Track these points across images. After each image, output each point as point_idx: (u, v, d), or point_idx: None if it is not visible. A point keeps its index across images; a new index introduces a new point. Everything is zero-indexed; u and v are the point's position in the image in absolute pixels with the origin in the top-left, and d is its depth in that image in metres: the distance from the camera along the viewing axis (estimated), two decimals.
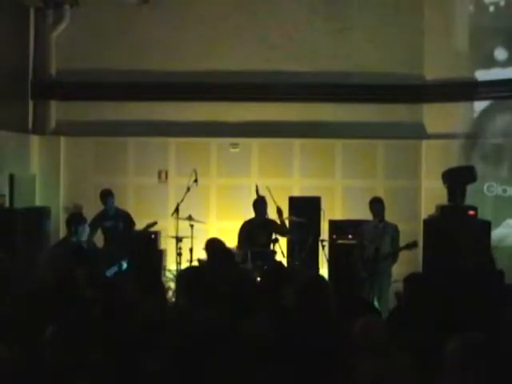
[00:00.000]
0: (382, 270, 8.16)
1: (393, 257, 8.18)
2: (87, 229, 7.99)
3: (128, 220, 9.05)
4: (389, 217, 9.69)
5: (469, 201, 8.85)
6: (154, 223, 9.02)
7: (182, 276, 4.75)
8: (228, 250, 6.08)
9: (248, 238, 8.72)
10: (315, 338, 3.71)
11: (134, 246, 8.78)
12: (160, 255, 9.84)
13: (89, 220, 9.01)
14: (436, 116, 10.70)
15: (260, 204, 8.88)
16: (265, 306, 4.28)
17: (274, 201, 8.79)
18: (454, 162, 9.82)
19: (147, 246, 9.61)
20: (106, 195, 8.99)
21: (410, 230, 10.20)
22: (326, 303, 3.86)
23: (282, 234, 8.84)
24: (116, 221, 8.92)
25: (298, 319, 3.89)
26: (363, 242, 8.35)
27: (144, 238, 9.47)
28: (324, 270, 9.22)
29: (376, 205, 8.38)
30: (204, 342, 3.59)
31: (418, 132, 10.80)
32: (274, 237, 8.76)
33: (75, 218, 8.04)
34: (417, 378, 3.33)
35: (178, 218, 9.07)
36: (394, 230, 8.29)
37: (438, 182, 9.08)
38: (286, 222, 9.02)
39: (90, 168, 10.78)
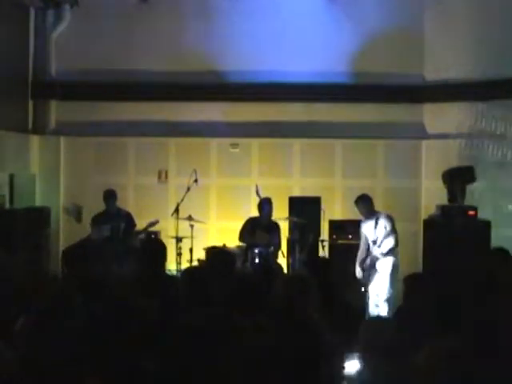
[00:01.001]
0: (381, 266, 8.18)
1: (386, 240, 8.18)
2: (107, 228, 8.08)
3: (129, 220, 9.06)
4: None
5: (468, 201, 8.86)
6: (156, 222, 9.02)
7: (183, 276, 4.74)
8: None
9: (249, 234, 8.78)
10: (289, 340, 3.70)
11: (134, 245, 8.78)
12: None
13: (90, 220, 9.08)
14: (436, 116, 10.70)
15: (265, 205, 8.91)
16: (264, 307, 4.28)
17: None
18: (454, 162, 9.82)
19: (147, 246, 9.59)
20: (109, 196, 9.02)
21: (410, 229, 10.22)
22: (303, 302, 3.84)
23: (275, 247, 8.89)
24: (117, 221, 8.93)
25: (281, 318, 3.88)
26: (360, 244, 8.43)
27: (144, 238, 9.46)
28: None
29: (357, 204, 8.45)
30: (203, 342, 3.59)
31: (418, 132, 10.80)
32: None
33: (98, 218, 8.14)
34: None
35: (178, 218, 9.08)
36: (386, 219, 8.31)
37: (438, 181, 9.09)
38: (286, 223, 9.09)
39: (90, 168, 10.77)
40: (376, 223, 8.25)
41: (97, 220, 8.98)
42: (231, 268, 5.12)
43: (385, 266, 8.19)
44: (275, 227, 9.02)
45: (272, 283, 4.85)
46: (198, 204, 10.08)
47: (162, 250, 5.28)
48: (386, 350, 3.31)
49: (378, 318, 4.73)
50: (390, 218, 8.34)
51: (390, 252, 8.21)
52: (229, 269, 5.00)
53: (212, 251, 5.35)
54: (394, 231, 8.24)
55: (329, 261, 7.35)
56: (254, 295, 4.29)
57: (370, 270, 8.25)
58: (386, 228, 8.23)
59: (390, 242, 8.18)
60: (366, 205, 8.43)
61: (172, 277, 6.34)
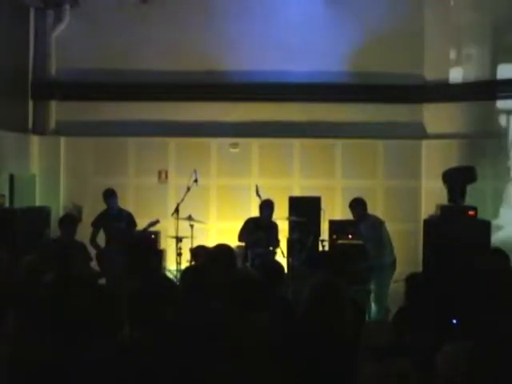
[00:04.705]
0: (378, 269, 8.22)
1: None
2: (71, 229, 8.08)
3: (130, 220, 9.03)
4: (389, 217, 9.72)
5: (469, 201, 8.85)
6: (156, 221, 9.01)
7: (184, 275, 4.74)
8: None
9: (249, 234, 8.78)
10: (326, 339, 3.70)
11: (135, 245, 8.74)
12: (160, 255, 9.83)
13: (90, 219, 9.06)
14: (436, 116, 10.70)
15: (266, 207, 8.91)
16: (266, 305, 4.28)
17: None
18: (454, 162, 9.81)
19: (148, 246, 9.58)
20: (109, 195, 8.98)
21: (410, 229, 10.23)
22: (339, 304, 3.86)
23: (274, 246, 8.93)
24: (118, 221, 8.90)
25: (310, 320, 3.88)
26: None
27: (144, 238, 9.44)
28: None
29: (352, 207, 8.50)
30: (205, 341, 3.60)
31: (418, 132, 10.81)
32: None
33: (64, 219, 8.18)
34: (417, 379, 3.32)
35: (178, 218, 9.07)
36: (370, 225, 8.34)
37: (438, 181, 9.07)
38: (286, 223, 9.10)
39: (90, 168, 10.78)
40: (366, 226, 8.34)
41: (98, 221, 8.95)
42: (233, 265, 5.12)
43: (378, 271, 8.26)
44: (274, 227, 9.03)
45: (275, 283, 4.85)
46: (198, 204, 10.08)
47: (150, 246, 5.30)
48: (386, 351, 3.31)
49: (377, 321, 4.75)
50: (374, 226, 8.33)
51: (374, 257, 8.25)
52: (231, 265, 5.01)
53: (215, 247, 5.32)
54: (374, 238, 8.24)
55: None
56: (258, 295, 4.29)
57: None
58: (367, 234, 8.30)
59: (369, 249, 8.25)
60: (360, 208, 8.45)
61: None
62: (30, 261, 4.98)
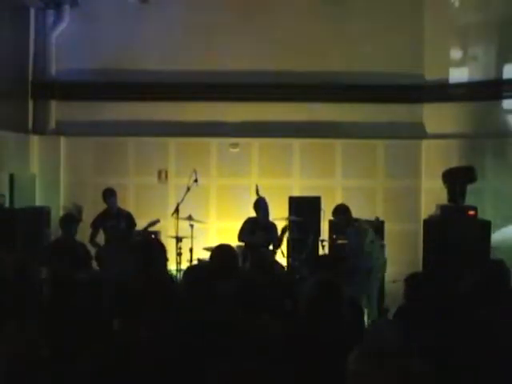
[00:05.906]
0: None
1: None
2: (74, 228, 8.07)
3: (130, 220, 9.02)
4: (389, 217, 9.73)
5: (469, 201, 8.86)
6: (157, 221, 9.00)
7: (186, 275, 4.73)
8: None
9: (249, 234, 8.77)
10: (325, 338, 3.70)
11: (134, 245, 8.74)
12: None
13: (90, 219, 9.05)
14: (436, 116, 10.71)
15: (260, 205, 8.88)
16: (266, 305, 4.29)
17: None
18: (454, 162, 9.83)
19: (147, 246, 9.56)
20: (109, 195, 8.95)
21: (410, 230, 10.23)
22: (338, 304, 3.86)
23: (275, 246, 8.85)
24: (118, 221, 8.89)
25: (309, 319, 3.88)
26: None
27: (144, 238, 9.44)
28: None
29: (337, 216, 8.34)
30: (206, 340, 3.60)
31: (418, 132, 10.81)
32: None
33: (65, 219, 8.18)
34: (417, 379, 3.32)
35: (178, 218, 9.06)
36: (355, 231, 8.22)
37: (438, 181, 9.09)
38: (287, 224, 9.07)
39: (90, 168, 10.78)
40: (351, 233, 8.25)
41: (97, 221, 8.94)
42: (235, 265, 5.12)
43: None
44: (273, 227, 9.01)
45: (272, 283, 4.86)
46: (198, 204, 10.09)
47: (161, 249, 5.27)
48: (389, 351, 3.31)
49: (384, 321, 4.74)
50: (357, 233, 8.23)
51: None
52: (233, 266, 5.00)
53: (217, 248, 5.32)
54: (360, 245, 8.17)
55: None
56: (256, 294, 4.29)
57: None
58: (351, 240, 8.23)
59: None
60: (344, 217, 8.32)
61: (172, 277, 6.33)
62: (17, 259, 4.97)
